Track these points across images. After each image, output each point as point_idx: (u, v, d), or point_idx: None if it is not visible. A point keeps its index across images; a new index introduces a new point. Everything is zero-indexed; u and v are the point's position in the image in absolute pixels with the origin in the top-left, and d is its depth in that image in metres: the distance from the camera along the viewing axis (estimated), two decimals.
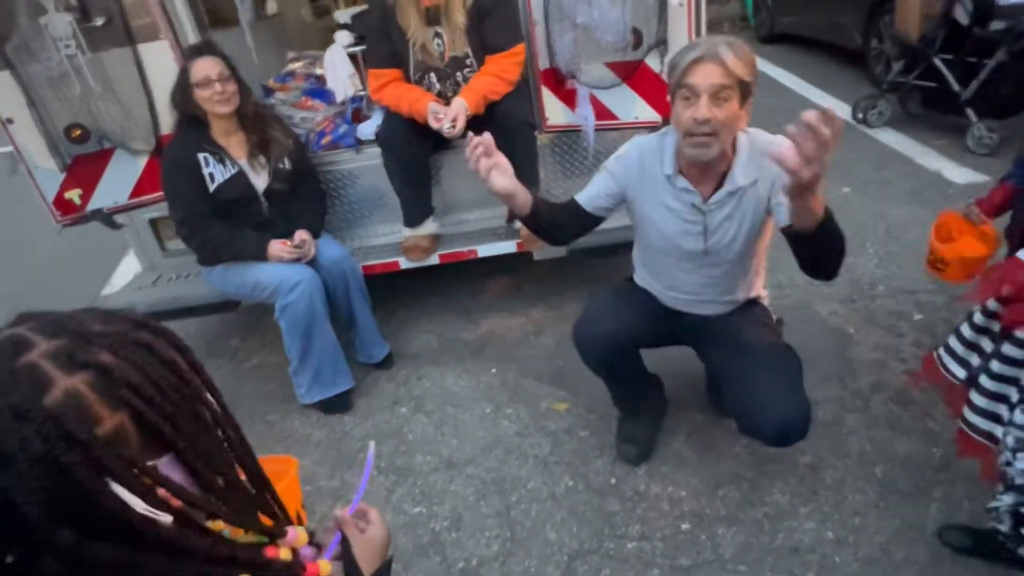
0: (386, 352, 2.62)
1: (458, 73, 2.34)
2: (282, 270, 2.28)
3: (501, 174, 1.53)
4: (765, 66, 5.90)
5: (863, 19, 4.82)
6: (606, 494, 1.92)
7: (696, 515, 1.82)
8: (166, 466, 0.57)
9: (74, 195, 2.46)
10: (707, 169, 1.58)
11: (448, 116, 2.20)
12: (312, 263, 2.36)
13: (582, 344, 1.82)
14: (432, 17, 2.26)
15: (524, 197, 1.61)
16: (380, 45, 2.34)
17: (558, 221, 1.75)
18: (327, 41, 3.08)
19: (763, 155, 1.57)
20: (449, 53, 2.32)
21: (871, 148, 3.89)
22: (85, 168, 2.44)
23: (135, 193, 2.53)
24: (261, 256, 2.29)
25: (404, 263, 2.60)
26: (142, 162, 2.49)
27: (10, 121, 2.32)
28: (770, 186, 1.57)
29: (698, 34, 2.23)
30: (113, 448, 0.52)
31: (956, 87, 3.58)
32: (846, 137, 4.07)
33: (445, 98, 2.35)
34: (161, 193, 2.40)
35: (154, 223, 2.72)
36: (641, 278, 1.93)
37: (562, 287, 2.91)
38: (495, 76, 2.26)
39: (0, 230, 4.97)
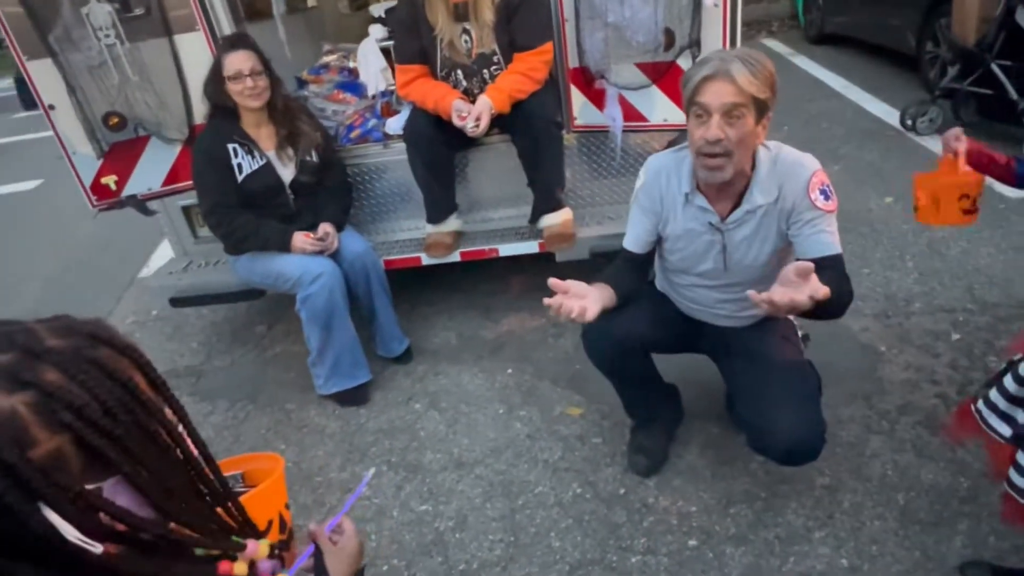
0: (405, 347, 2.63)
1: (485, 70, 2.33)
2: (304, 262, 2.30)
3: (589, 304, 1.45)
4: (812, 68, 5.72)
5: (918, 21, 4.61)
6: (613, 504, 1.89)
7: (704, 532, 1.77)
8: (112, 488, 0.56)
9: (110, 180, 2.54)
10: (725, 187, 1.53)
11: (472, 115, 2.19)
12: (335, 256, 2.38)
13: (588, 340, 1.79)
14: (460, 13, 2.25)
15: (611, 295, 1.60)
16: (408, 40, 2.33)
17: (636, 281, 1.75)
18: (363, 34, 3.09)
19: (786, 174, 1.51)
20: (476, 50, 2.30)
21: (919, 157, 3.72)
22: (121, 155, 2.51)
23: (168, 180, 2.59)
24: (285, 247, 2.32)
25: (426, 259, 2.60)
26: (176, 150, 2.55)
27: (52, 107, 2.40)
28: (791, 208, 1.51)
29: (733, 36, 2.16)
30: (48, 472, 0.51)
31: (1014, 95, 3.39)
32: (892, 145, 3.92)
33: (472, 95, 2.33)
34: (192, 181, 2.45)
35: (187, 210, 2.78)
36: (661, 285, 1.89)
37: None
38: (522, 74, 2.24)
39: (45, 212, 5.18)
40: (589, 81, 2.36)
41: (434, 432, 2.27)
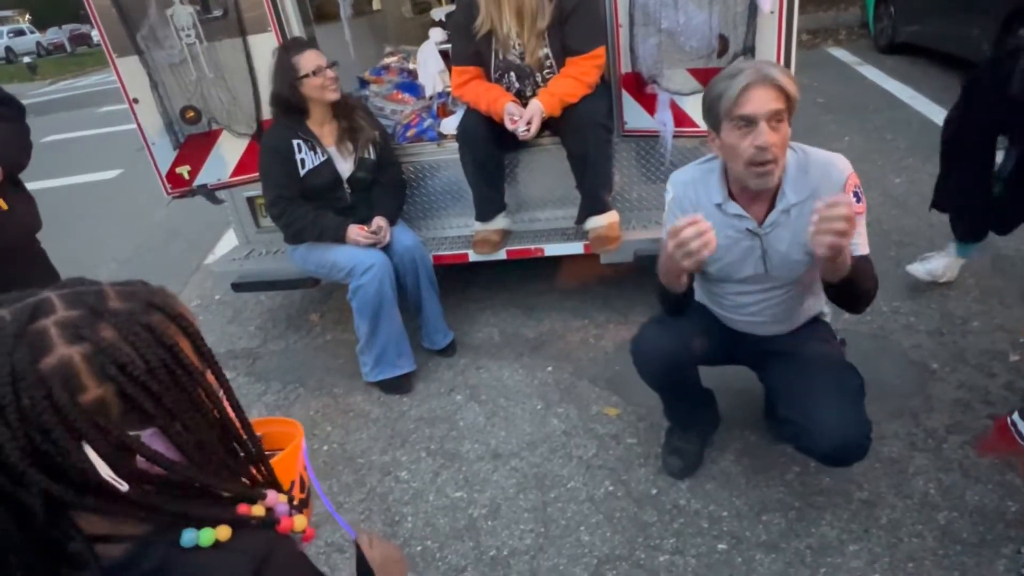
0: (449, 340, 2.71)
1: (537, 73, 2.38)
2: (357, 253, 2.41)
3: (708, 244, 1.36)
4: (879, 78, 5.55)
5: (997, 30, 4.42)
6: (644, 503, 1.90)
7: (735, 537, 1.77)
8: (149, 437, 0.64)
9: (184, 170, 2.72)
10: (758, 192, 1.54)
11: (523, 119, 2.25)
12: (386, 249, 2.48)
13: (639, 360, 1.80)
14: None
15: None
16: (464, 43, 2.41)
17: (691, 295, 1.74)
18: (424, 37, 3.19)
19: (821, 175, 1.52)
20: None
21: None
22: (195, 147, 2.68)
23: (236, 172, 2.75)
24: (340, 239, 2.43)
25: (473, 256, 2.67)
26: (244, 144, 2.70)
27: (136, 101, 2.59)
28: None
29: (788, 43, 2.15)
30: (92, 415, 0.59)
31: None
32: None
33: (524, 97, 2.39)
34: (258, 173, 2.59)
35: (251, 201, 2.94)
36: (700, 297, 1.88)
37: (628, 292, 2.89)
38: (573, 79, 2.28)
39: (123, 200, 5.53)
40: (641, 86, 2.39)
41: (473, 423, 2.33)
